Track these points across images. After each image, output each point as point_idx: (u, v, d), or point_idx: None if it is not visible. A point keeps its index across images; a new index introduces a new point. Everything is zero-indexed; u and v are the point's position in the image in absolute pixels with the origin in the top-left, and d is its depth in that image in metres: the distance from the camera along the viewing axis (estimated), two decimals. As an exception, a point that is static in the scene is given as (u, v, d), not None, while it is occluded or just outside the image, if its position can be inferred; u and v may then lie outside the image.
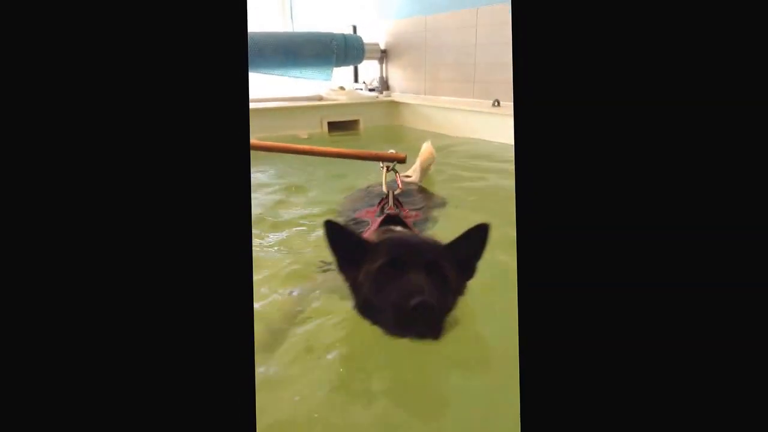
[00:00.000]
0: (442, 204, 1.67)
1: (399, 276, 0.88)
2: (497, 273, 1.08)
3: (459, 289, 0.97)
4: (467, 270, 0.98)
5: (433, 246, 0.98)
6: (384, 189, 1.45)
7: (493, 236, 0.97)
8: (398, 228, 1.18)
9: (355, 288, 0.96)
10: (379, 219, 1.24)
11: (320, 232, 0.99)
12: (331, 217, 1.11)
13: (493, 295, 1.05)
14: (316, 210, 1.70)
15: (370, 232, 1.17)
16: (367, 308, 0.93)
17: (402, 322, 0.85)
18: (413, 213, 1.44)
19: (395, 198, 1.40)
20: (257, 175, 2.14)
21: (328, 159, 1.83)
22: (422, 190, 1.76)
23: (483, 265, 0.99)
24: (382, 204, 1.40)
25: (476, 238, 0.96)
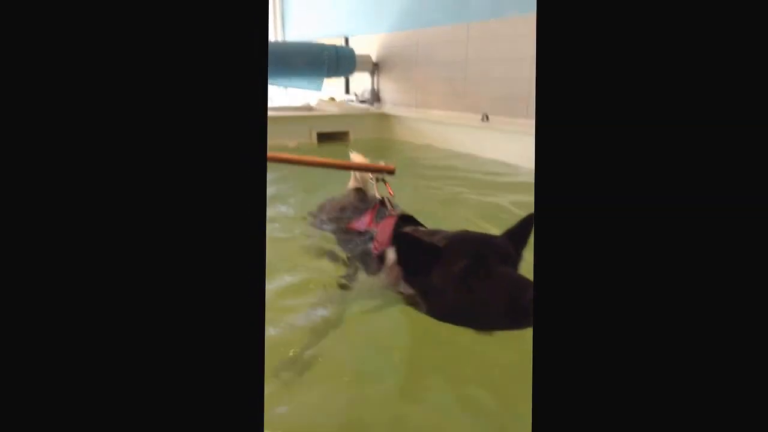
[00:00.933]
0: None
1: (487, 274, 0.91)
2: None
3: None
4: (519, 257, 1.01)
5: (498, 240, 1.01)
6: (377, 195, 1.48)
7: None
8: (423, 228, 1.18)
9: (431, 293, 0.97)
10: (391, 222, 1.22)
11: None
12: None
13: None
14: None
15: (388, 236, 1.16)
16: (455, 310, 0.93)
17: (520, 314, 0.85)
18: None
19: (389, 201, 1.41)
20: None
21: (306, 170, 1.81)
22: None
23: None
24: (375, 210, 1.40)
25: (525, 228, 1.01)
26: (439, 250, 0.97)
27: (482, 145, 2.90)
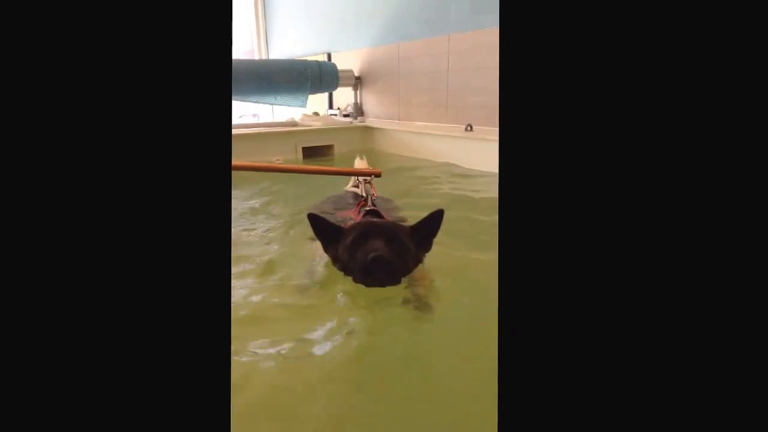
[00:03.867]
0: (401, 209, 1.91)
1: (365, 243, 1.21)
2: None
3: (418, 257, 1.30)
4: (425, 244, 1.32)
5: (393, 224, 1.34)
6: (363, 194, 1.80)
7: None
8: (375, 219, 1.47)
9: (336, 259, 1.30)
10: (362, 213, 1.59)
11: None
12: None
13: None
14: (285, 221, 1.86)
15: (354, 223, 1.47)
16: (346, 270, 1.26)
17: (365, 273, 1.17)
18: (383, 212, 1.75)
19: (369, 200, 1.72)
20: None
21: (296, 181, 1.98)
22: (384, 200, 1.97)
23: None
24: (360, 205, 1.72)
25: (434, 220, 1.30)
26: (341, 229, 1.32)
27: (466, 155, 2.93)
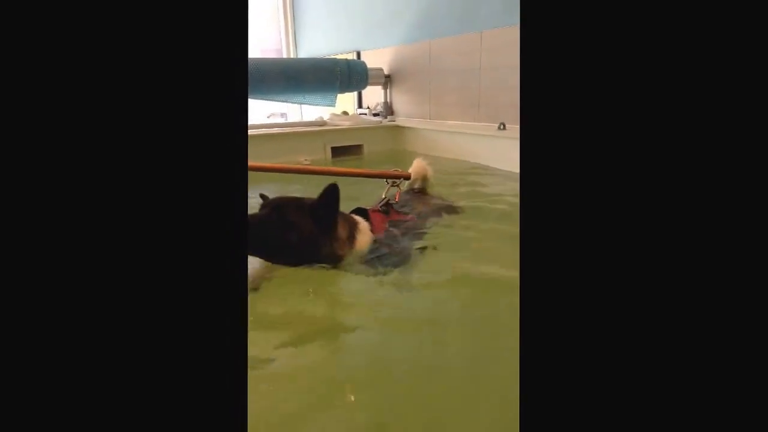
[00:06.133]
0: (438, 214, 1.82)
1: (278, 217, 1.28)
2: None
3: (312, 236, 1.29)
4: (322, 222, 1.30)
5: (288, 200, 1.34)
6: (383, 196, 1.79)
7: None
8: (356, 216, 1.50)
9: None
10: (382, 216, 1.60)
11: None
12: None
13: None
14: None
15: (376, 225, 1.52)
16: None
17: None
18: (408, 216, 1.71)
19: (387, 203, 1.73)
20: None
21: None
22: (425, 202, 1.92)
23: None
24: (379, 205, 1.72)
25: (328, 197, 1.30)
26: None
27: (499, 154, 2.84)
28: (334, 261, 1.32)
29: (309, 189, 2.27)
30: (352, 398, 0.84)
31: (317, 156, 3.37)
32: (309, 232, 1.28)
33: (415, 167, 2.06)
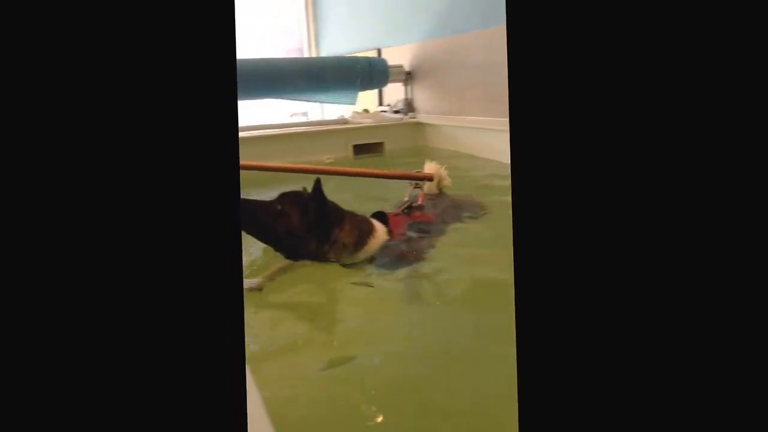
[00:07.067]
0: (458, 216, 1.80)
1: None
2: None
3: (298, 231, 1.34)
4: (311, 218, 1.33)
5: (293, 192, 1.42)
6: (406, 199, 1.78)
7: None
8: (373, 219, 1.52)
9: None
10: (402, 219, 1.61)
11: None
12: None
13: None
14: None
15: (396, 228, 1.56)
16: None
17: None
18: (430, 215, 1.72)
19: (409, 204, 1.72)
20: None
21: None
22: (447, 203, 1.90)
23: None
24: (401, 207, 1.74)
25: (315, 193, 1.33)
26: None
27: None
28: (318, 260, 1.34)
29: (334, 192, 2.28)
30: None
31: (339, 154, 3.38)
32: (296, 227, 1.33)
33: (428, 171, 2.05)
